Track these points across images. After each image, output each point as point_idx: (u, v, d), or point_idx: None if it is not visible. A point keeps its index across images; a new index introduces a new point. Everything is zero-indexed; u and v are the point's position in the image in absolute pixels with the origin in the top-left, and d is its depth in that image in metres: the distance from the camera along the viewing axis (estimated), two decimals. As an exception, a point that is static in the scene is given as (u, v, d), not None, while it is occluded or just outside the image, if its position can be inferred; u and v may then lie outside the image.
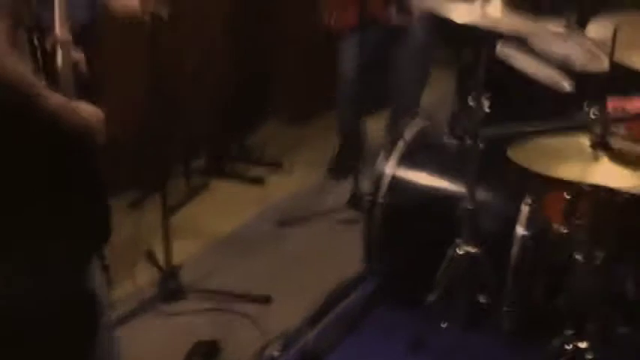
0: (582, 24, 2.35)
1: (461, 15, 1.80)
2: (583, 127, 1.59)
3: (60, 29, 1.62)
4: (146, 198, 3.27)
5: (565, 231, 1.95)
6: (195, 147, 3.66)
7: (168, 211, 2.74)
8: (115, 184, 3.00)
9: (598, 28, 2.27)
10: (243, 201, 3.45)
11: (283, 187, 3.58)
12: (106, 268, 1.77)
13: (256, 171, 3.67)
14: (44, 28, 1.62)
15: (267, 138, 3.99)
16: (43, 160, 1.47)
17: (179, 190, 3.41)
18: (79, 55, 1.69)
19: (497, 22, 1.78)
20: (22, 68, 1.39)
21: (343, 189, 3.38)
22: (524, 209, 2.16)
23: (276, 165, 3.73)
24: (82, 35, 1.74)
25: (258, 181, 3.59)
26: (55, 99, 1.46)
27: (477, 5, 1.83)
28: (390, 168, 2.39)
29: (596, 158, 1.56)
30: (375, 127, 3.77)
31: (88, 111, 1.55)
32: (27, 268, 1.46)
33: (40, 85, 1.43)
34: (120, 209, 3.08)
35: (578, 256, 1.80)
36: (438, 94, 4.60)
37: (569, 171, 1.56)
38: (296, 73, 4.20)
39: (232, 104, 3.76)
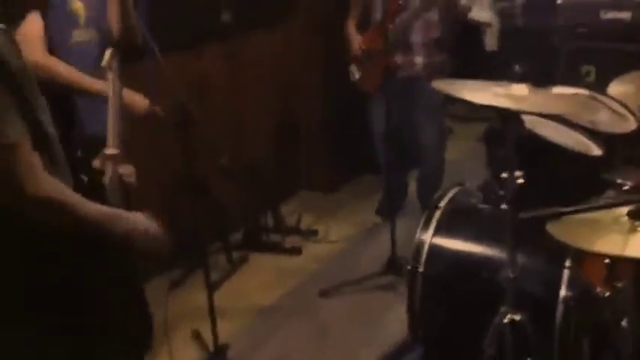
0: (602, 84, 2.42)
1: (481, 96, 1.86)
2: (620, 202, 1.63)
3: (111, 144, 1.69)
4: (187, 276, 3.36)
5: (607, 294, 1.97)
6: (232, 221, 3.75)
7: (211, 287, 2.81)
8: (155, 265, 3.11)
9: (620, 87, 2.33)
10: (282, 272, 3.51)
11: (321, 254, 3.65)
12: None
13: (293, 240, 3.75)
14: (88, 140, 1.70)
15: (301, 207, 4.08)
16: (81, 278, 1.48)
17: (220, 265, 3.49)
18: (129, 169, 1.75)
19: (521, 102, 1.84)
20: (59, 192, 1.39)
21: (380, 252, 3.43)
22: (566, 272, 2.19)
23: (312, 233, 3.80)
24: None
25: (295, 251, 3.66)
26: (94, 211, 1.44)
27: (499, 87, 1.89)
28: (429, 236, 2.43)
29: (633, 228, 1.61)
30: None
31: (141, 222, 1.54)
32: None
33: (78, 205, 1.42)
34: (162, 289, 3.17)
35: (623, 321, 1.82)
36: (463, 148, 4.70)
37: (608, 243, 1.60)
38: (325, 142, 4.32)
39: (265, 176, 3.86)
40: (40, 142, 1.37)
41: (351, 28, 3.64)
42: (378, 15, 3.53)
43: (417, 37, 3.49)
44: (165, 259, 1.63)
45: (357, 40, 3.59)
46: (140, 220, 1.54)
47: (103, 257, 1.51)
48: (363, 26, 3.63)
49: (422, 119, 3.60)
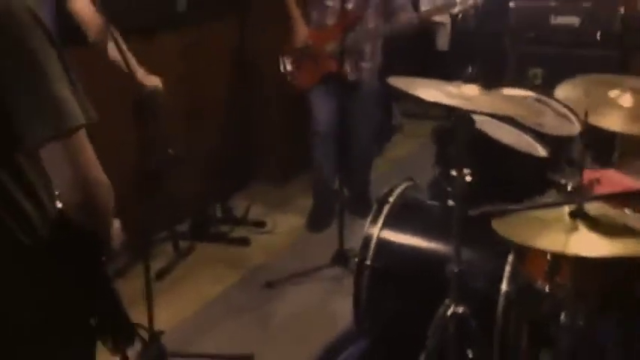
0: (550, 87, 2.49)
1: (434, 95, 1.90)
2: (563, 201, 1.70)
3: None
4: (132, 265, 3.31)
5: (547, 289, 2.04)
6: (180, 211, 3.72)
7: (154, 277, 2.79)
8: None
9: (568, 90, 2.41)
10: (229, 262, 3.50)
11: (269, 246, 3.66)
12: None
13: (241, 232, 3.75)
14: None
15: (250, 199, 4.08)
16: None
17: (166, 255, 3.45)
18: None
19: (470, 102, 1.89)
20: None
21: (327, 245, 3.46)
22: (507, 267, 2.26)
23: (259, 225, 3.80)
24: None
25: (243, 242, 3.65)
26: None
27: (451, 86, 1.94)
28: (377, 230, 2.47)
29: (574, 227, 1.67)
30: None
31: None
32: None
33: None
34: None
35: (562, 315, 1.89)
36: (412, 146, 4.78)
37: (550, 240, 1.66)
38: (276, 135, 4.32)
39: (215, 167, 3.84)
40: None
41: (298, 19, 3.63)
42: (323, 17, 3.56)
43: (367, 46, 3.58)
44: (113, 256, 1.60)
45: (304, 34, 3.61)
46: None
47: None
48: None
49: (357, 122, 3.68)
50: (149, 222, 2.88)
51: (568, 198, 1.67)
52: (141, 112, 2.59)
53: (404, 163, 4.14)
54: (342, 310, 2.71)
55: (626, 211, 1.73)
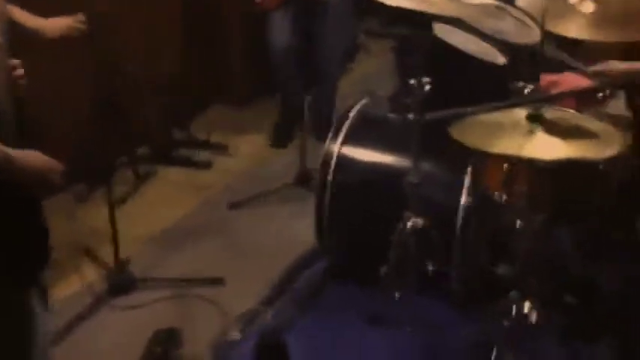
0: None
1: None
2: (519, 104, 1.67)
3: None
4: (93, 191, 3.25)
5: (505, 198, 2.04)
6: (140, 136, 3.64)
7: (115, 202, 2.73)
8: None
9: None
10: (192, 186, 3.46)
11: (231, 169, 3.61)
12: (44, 292, 1.66)
13: (203, 155, 3.68)
14: None
15: (212, 122, 4.00)
16: None
17: (126, 180, 3.39)
18: (15, 61, 1.59)
19: (431, 5, 1.83)
20: None
21: (290, 166, 3.42)
22: (466, 179, 2.25)
23: (222, 148, 3.74)
24: None
25: (205, 165, 3.60)
26: None
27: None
28: (337, 146, 2.44)
29: (531, 131, 1.65)
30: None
31: (37, 160, 1.48)
32: None
33: None
34: (67, 204, 3.07)
35: (519, 222, 1.90)
36: (375, 63, 4.70)
37: (507, 145, 1.64)
38: (237, 57, 4.21)
39: (175, 90, 3.74)
40: None
41: None
42: None
43: None
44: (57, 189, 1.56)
45: None
46: (33, 159, 1.48)
47: None
48: None
49: (325, 35, 3.57)
50: (109, 146, 2.82)
51: (523, 99, 1.64)
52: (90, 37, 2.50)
53: (367, 82, 4.07)
54: (305, 229, 2.70)
55: (583, 113, 1.71)
